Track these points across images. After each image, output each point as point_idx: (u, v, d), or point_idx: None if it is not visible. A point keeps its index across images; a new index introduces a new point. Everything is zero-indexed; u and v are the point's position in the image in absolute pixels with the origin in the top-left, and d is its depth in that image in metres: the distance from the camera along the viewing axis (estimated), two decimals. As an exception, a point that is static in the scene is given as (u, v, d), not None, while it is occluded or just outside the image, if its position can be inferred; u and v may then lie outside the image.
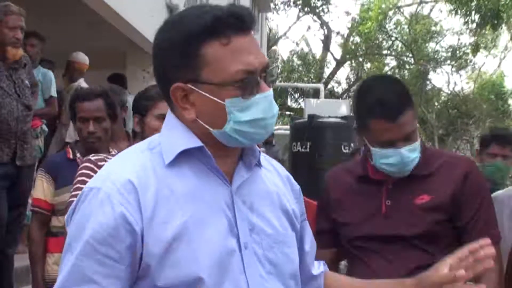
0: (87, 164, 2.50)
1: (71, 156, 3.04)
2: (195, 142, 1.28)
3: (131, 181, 1.22)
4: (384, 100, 1.98)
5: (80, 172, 2.49)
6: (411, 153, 2.01)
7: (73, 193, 2.45)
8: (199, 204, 1.25)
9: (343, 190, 2.17)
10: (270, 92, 1.28)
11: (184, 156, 1.28)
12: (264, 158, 1.44)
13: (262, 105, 1.27)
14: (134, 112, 2.63)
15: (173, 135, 1.31)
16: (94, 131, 2.90)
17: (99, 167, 2.46)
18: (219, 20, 1.24)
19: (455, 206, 2.05)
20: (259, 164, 1.39)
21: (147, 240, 1.20)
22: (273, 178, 1.44)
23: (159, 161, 1.28)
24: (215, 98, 1.25)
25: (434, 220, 2.04)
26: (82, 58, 6.45)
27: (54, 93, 5.55)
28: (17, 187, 4.07)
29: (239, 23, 1.25)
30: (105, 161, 2.51)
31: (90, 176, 2.44)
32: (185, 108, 1.29)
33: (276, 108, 1.30)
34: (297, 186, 1.51)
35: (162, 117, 2.49)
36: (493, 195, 2.49)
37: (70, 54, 6.47)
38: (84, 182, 2.43)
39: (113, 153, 2.80)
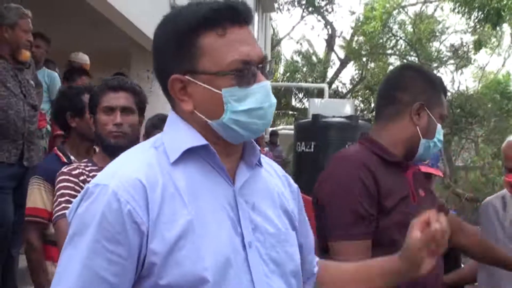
0: (63, 177, 2.45)
1: (65, 159, 2.92)
2: (200, 140, 1.29)
3: (139, 179, 1.21)
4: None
5: (58, 186, 2.44)
6: None
7: (57, 208, 2.40)
8: (203, 203, 1.26)
9: (382, 175, 2.00)
10: (267, 82, 1.30)
11: (189, 154, 1.29)
12: (263, 159, 1.45)
13: (259, 95, 1.28)
14: (90, 113, 2.60)
15: (177, 133, 1.31)
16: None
17: (74, 176, 2.44)
18: (215, 12, 1.27)
19: None
20: (259, 164, 1.40)
21: (152, 239, 1.20)
22: (273, 178, 1.45)
23: (164, 160, 1.28)
24: (212, 88, 1.27)
25: None
26: (82, 58, 6.46)
27: (59, 94, 5.56)
28: (22, 188, 4.07)
29: (234, 15, 1.28)
30: (78, 169, 2.48)
31: (70, 188, 2.40)
32: (182, 100, 1.30)
33: (273, 99, 1.31)
34: (295, 186, 1.53)
35: (108, 110, 2.50)
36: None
37: (70, 54, 6.48)
38: (64, 196, 2.39)
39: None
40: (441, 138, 2.11)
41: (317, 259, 1.61)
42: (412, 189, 2.07)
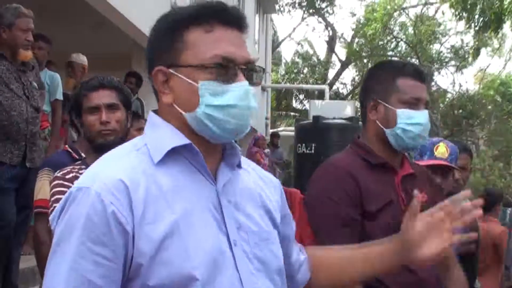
0: (57, 181, 2.42)
1: (76, 156, 2.85)
2: (182, 140, 1.29)
3: (122, 180, 1.21)
4: (413, 64, 2.16)
5: (52, 191, 2.41)
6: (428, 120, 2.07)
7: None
8: (187, 202, 1.26)
9: (365, 180, 2.04)
10: (246, 83, 1.30)
11: (172, 155, 1.29)
12: (242, 159, 1.46)
13: (236, 94, 1.28)
14: (75, 117, 2.58)
15: (159, 134, 1.32)
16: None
17: (68, 180, 2.40)
18: (204, 9, 1.31)
19: None
20: (239, 165, 1.41)
21: (138, 240, 1.20)
22: (253, 179, 1.46)
23: (147, 161, 1.28)
24: (189, 80, 1.28)
25: None
26: (82, 59, 6.48)
27: (59, 95, 5.56)
28: (25, 189, 4.08)
29: (224, 16, 1.31)
30: (72, 173, 2.45)
31: (64, 193, 2.38)
32: (164, 92, 1.32)
33: (253, 104, 1.31)
34: (277, 182, 1.54)
35: (93, 110, 2.48)
36: None
37: (70, 56, 6.50)
38: (59, 201, 2.38)
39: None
40: (411, 121, 2.03)
41: (300, 246, 1.61)
42: (400, 193, 2.07)
